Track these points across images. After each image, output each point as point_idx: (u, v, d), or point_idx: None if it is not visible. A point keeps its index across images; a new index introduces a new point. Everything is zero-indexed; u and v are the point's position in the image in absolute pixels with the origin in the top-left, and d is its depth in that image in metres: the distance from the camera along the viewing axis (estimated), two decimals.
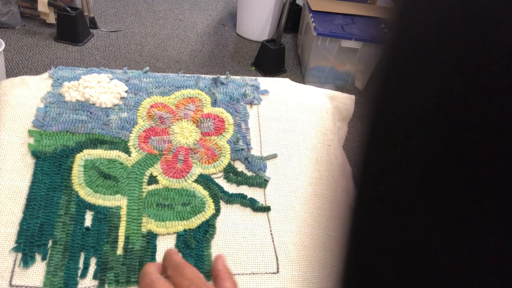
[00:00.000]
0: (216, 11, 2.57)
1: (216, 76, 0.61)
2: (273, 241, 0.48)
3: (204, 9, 2.57)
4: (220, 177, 0.52)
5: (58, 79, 0.55)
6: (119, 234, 0.46)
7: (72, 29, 1.92)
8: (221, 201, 0.50)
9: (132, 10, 2.39)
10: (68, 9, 1.87)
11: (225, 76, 0.61)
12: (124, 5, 2.43)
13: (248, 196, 0.51)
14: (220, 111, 0.57)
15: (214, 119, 0.56)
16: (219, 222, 0.49)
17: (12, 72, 1.71)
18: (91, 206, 0.47)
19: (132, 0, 2.50)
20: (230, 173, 0.52)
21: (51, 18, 1.93)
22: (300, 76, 2.08)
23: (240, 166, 0.53)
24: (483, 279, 0.16)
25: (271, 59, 2.00)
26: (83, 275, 0.42)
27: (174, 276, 0.37)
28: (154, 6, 2.48)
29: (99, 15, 2.25)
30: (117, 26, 2.20)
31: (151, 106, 0.56)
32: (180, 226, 0.47)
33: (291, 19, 2.35)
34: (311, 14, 1.97)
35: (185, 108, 0.57)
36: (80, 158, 0.49)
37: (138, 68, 1.89)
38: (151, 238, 0.46)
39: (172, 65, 1.98)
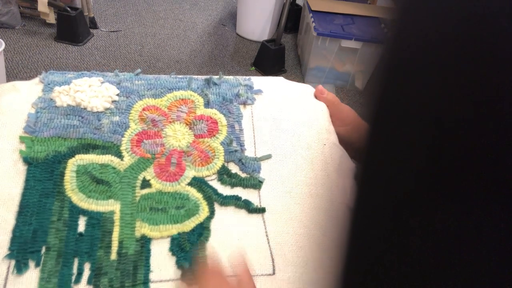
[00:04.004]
0: (216, 11, 2.57)
1: (208, 76, 0.60)
2: (268, 243, 0.48)
3: (204, 9, 2.57)
4: (214, 179, 0.52)
5: (48, 84, 0.55)
6: (113, 239, 0.45)
7: (72, 29, 1.93)
8: (215, 203, 0.50)
9: (132, 10, 2.39)
10: (68, 9, 1.87)
11: (217, 77, 0.60)
12: (124, 5, 2.43)
13: (243, 198, 0.51)
14: (213, 112, 0.57)
15: (207, 121, 0.56)
16: (214, 224, 0.48)
17: (12, 72, 1.71)
18: (84, 212, 0.46)
19: (132, 0, 2.50)
20: (224, 175, 0.52)
21: (51, 18, 1.94)
22: (300, 76, 2.08)
23: (234, 168, 0.53)
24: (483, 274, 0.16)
25: (271, 59, 2.00)
26: (77, 280, 0.42)
27: None
28: (154, 6, 2.48)
29: (99, 15, 2.25)
30: (117, 26, 2.20)
31: (143, 109, 0.55)
32: (174, 229, 0.47)
33: (291, 19, 2.35)
34: (311, 14, 1.97)
35: (177, 110, 0.56)
36: (72, 164, 0.49)
37: (138, 68, 1.89)
38: (145, 242, 0.46)
39: (172, 65, 1.98)
